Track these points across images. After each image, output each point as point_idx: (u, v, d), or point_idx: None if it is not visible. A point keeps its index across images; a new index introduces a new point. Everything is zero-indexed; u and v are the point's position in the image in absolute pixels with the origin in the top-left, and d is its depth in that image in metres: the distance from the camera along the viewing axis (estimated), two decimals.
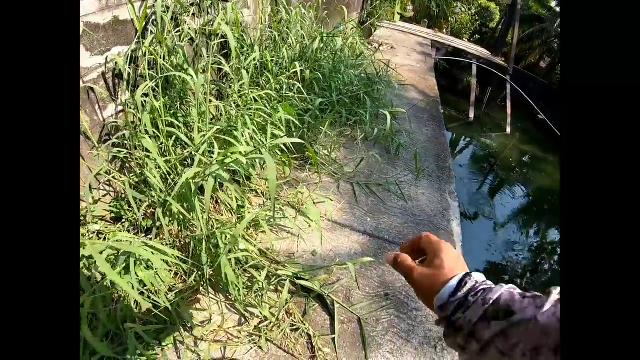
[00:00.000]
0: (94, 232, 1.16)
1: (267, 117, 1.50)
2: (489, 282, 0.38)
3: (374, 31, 5.45)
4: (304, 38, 2.19)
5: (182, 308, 1.05)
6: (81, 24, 1.05)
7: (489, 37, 9.66)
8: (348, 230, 1.58)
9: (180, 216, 1.12)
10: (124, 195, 1.29)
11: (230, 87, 1.62)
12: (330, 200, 1.69)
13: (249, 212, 1.34)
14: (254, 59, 1.67)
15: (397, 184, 1.91)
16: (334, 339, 1.12)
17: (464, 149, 5.34)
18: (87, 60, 1.11)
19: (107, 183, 1.29)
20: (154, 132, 1.22)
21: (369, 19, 5.24)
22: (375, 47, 4.17)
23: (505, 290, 0.35)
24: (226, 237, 1.12)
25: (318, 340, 1.11)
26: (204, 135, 1.24)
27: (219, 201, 1.40)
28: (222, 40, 1.68)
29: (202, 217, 1.00)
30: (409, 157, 2.22)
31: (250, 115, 1.45)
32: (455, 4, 9.47)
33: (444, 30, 8.93)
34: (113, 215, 1.25)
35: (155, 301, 0.99)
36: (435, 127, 2.82)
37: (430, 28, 8.28)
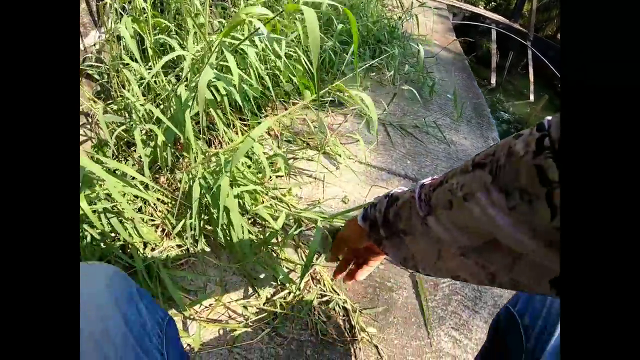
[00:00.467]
0: None
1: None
2: None
3: None
4: None
5: (163, 273, 0.75)
6: None
7: (504, 8, 9.18)
8: (385, 173, 1.32)
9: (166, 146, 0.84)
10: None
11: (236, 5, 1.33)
12: (360, 141, 1.42)
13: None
14: None
15: (437, 125, 1.63)
16: (380, 312, 0.85)
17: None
18: None
19: (96, 124, 1.02)
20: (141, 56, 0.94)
21: None
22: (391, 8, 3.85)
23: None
24: (228, 164, 0.86)
25: (358, 316, 0.82)
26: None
27: (215, 128, 1.13)
28: None
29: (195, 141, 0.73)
30: (442, 102, 1.94)
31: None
32: None
33: None
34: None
35: (129, 262, 0.74)
36: (466, 78, 2.53)
37: None
